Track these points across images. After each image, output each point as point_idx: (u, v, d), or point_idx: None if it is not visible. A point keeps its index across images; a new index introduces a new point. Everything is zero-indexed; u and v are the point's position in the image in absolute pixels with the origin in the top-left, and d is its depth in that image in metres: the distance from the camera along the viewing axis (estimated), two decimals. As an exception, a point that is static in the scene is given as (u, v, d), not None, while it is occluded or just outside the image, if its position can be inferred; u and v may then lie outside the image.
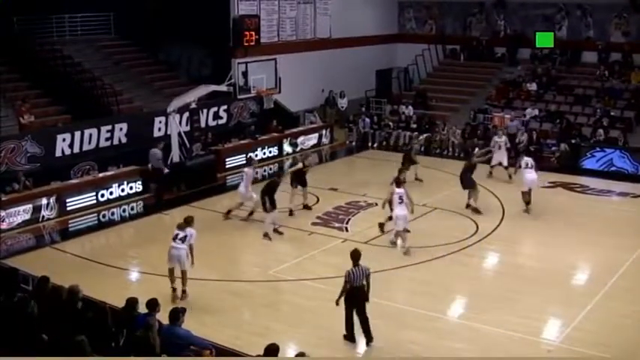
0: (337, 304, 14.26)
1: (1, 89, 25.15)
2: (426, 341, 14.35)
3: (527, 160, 22.72)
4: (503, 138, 26.51)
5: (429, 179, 24.60)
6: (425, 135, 28.91)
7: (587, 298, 16.17)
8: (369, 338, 14.32)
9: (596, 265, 18.48)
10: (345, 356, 14.32)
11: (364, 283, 14.11)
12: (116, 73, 30.11)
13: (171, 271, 16.16)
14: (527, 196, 22.21)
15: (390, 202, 19.60)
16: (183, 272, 16.12)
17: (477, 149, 26.22)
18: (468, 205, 22.37)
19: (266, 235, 20.33)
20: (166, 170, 24.55)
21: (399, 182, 19.68)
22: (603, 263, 18.33)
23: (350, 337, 14.44)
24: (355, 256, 14.22)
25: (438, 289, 16.84)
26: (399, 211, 19.13)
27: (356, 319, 14.28)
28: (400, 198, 19.17)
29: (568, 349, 14.06)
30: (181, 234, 16.13)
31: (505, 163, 26.02)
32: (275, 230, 20.57)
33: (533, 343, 14.35)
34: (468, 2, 38.10)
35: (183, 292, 16.14)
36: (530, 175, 22.30)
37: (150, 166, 24.61)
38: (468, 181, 22.30)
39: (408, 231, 19.26)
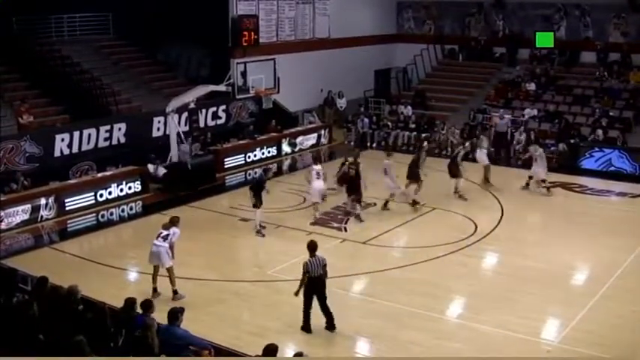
0: (296, 294, 14.58)
1: (0, 89, 25.14)
2: (425, 341, 14.34)
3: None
4: (540, 150, 24.85)
5: (427, 179, 24.49)
6: (468, 143, 26.82)
7: (587, 298, 16.18)
8: (332, 328, 14.66)
9: (595, 265, 18.47)
10: (345, 356, 14.33)
11: (322, 272, 14.48)
12: (115, 73, 30.12)
13: (155, 269, 16.31)
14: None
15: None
16: (169, 271, 16.14)
17: (425, 143, 26.53)
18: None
19: (259, 232, 20.48)
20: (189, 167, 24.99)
21: (316, 160, 23.27)
22: (602, 263, 18.33)
23: (306, 327, 14.71)
24: (312, 246, 14.64)
25: (437, 290, 16.83)
26: (315, 184, 21.51)
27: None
28: (317, 174, 21.57)
29: (567, 349, 14.06)
30: (164, 232, 16.28)
31: (543, 176, 24.60)
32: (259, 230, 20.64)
33: (533, 343, 14.34)
34: (466, 2, 38.11)
35: (175, 292, 16.14)
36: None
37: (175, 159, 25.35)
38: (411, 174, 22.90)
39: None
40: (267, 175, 21.52)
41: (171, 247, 16.29)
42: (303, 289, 14.53)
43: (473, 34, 38.26)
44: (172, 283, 16.17)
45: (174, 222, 16.59)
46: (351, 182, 21.82)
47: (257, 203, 20.31)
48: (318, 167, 21.86)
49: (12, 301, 12.99)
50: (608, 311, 15.55)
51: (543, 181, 24.48)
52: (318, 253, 14.65)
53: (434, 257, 18.68)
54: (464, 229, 20.67)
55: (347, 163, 22.69)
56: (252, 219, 21.41)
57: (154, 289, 16.23)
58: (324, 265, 14.51)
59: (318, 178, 21.57)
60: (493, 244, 19.89)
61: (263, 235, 20.42)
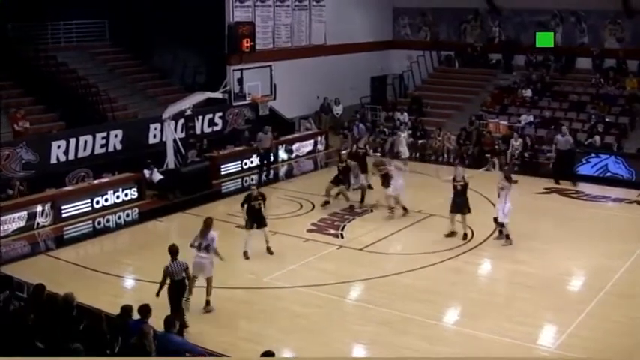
0: (157, 295, 14.70)
1: (-4, 96, 25.15)
2: (421, 347, 14.33)
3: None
4: (406, 132, 29.41)
5: (423, 186, 24.57)
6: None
7: (583, 303, 16.18)
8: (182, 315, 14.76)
9: (592, 271, 18.49)
10: (344, 357, 14.36)
11: (184, 275, 14.85)
12: (111, 80, 30.12)
13: (194, 279, 15.78)
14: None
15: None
16: (208, 280, 15.90)
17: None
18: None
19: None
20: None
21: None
22: (598, 269, 18.35)
23: (182, 323, 14.66)
24: (173, 250, 14.90)
25: (434, 296, 16.83)
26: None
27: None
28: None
29: (563, 355, 14.08)
30: (204, 242, 15.94)
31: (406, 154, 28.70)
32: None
33: (529, 349, 14.35)
34: (462, 9, 38.17)
35: (207, 302, 15.91)
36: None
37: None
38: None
39: None
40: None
41: (215, 253, 16.11)
42: (168, 293, 14.75)
43: (469, 40, 38.36)
44: (209, 293, 15.92)
45: (208, 225, 16.29)
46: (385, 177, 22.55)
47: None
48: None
49: (8, 308, 12.98)
50: (605, 317, 15.56)
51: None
52: (180, 258, 14.89)
53: (430, 264, 18.68)
54: (460, 236, 20.64)
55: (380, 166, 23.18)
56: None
57: (186, 299, 15.55)
58: (186, 269, 14.89)
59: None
60: (489, 251, 19.88)
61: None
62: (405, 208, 22.52)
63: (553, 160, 27.51)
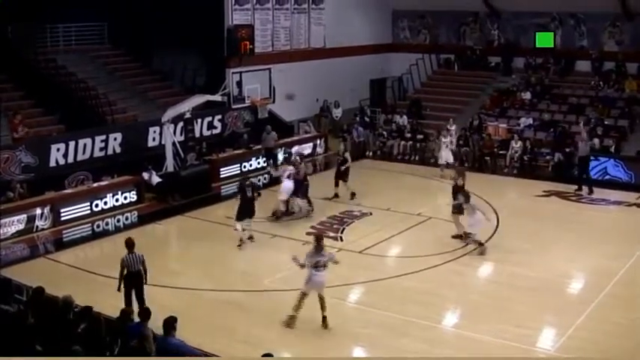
0: (119, 290, 15.31)
1: (-5, 99, 25.15)
2: (421, 350, 14.32)
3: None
4: (449, 138, 28.19)
5: (423, 188, 24.57)
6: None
7: (582, 306, 16.18)
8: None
9: (591, 274, 18.49)
10: (342, 357, 14.36)
11: (140, 268, 15.33)
12: (110, 83, 30.12)
13: (304, 296, 15.37)
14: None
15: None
16: (323, 298, 15.37)
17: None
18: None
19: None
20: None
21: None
22: (598, 271, 18.34)
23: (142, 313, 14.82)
24: (129, 243, 15.43)
25: (433, 299, 16.83)
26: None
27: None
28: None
29: (563, 357, 14.07)
30: (322, 259, 15.25)
31: (451, 160, 27.84)
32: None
33: (529, 351, 14.35)
34: (461, 12, 38.14)
35: (324, 318, 15.29)
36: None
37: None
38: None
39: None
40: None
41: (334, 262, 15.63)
42: (124, 285, 15.28)
43: (468, 43, 38.35)
44: (324, 308, 15.35)
45: (320, 241, 15.59)
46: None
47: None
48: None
49: (7, 311, 12.95)
50: (605, 319, 15.55)
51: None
52: (137, 251, 15.38)
53: (430, 266, 18.67)
54: (460, 238, 20.64)
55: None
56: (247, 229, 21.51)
57: (293, 317, 15.36)
58: (143, 262, 15.36)
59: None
60: (489, 253, 19.85)
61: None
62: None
63: (577, 165, 26.80)
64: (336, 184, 24.70)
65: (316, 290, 15.34)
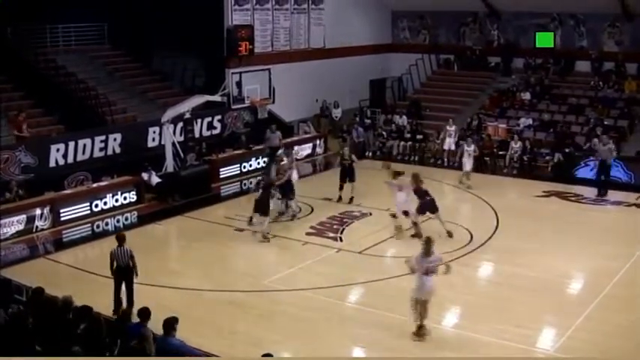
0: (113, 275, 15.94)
1: (-5, 99, 25.16)
2: (420, 351, 14.31)
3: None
4: (472, 146, 27.24)
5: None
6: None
7: (582, 306, 16.18)
8: (131, 304, 15.45)
9: (591, 274, 18.49)
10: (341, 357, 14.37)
11: (129, 262, 15.81)
12: (110, 83, 30.12)
13: (417, 302, 14.81)
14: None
15: None
16: (425, 303, 14.77)
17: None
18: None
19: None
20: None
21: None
22: (597, 272, 18.35)
23: (116, 310, 15.38)
24: (119, 237, 16.06)
25: (433, 299, 16.75)
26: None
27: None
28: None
29: (563, 357, 14.07)
30: (432, 264, 14.72)
31: (468, 168, 26.93)
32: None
33: (528, 352, 14.35)
34: (461, 12, 38.14)
35: (422, 327, 14.88)
36: None
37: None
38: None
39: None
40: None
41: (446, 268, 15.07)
42: (114, 278, 15.83)
43: (468, 43, 38.35)
44: (425, 317, 14.86)
45: (430, 245, 14.88)
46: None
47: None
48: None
49: (7, 312, 12.96)
50: (604, 320, 15.55)
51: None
52: (126, 245, 15.87)
53: (429, 267, 18.64)
54: (459, 239, 20.66)
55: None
56: (247, 229, 21.51)
57: (420, 327, 14.89)
58: (131, 257, 15.82)
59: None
60: (488, 253, 19.88)
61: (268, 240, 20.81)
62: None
63: (596, 169, 26.56)
64: (341, 188, 24.58)
65: (425, 297, 14.77)
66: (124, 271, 15.81)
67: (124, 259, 15.79)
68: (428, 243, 14.91)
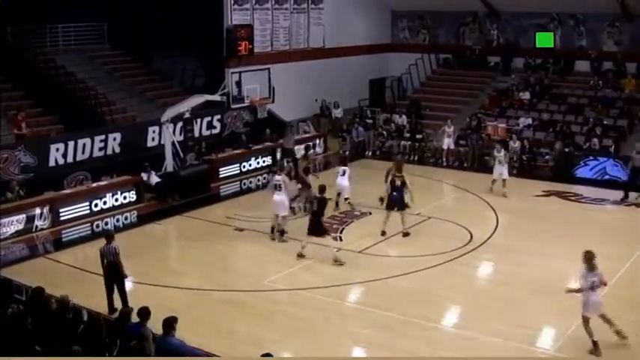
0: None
1: (-5, 99, 25.16)
2: (420, 350, 14.31)
3: None
4: (502, 152, 25.55)
5: (422, 188, 24.47)
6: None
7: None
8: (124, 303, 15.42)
9: (591, 274, 18.44)
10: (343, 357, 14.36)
11: (112, 259, 15.85)
12: (109, 83, 30.14)
13: (588, 319, 14.33)
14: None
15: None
16: (604, 316, 14.32)
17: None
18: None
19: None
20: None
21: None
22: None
23: (110, 309, 15.52)
24: (107, 235, 16.25)
25: (433, 299, 16.82)
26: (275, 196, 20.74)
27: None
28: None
29: (563, 357, 14.07)
30: (597, 279, 14.24)
31: (506, 176, 25.24)
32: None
33: (528, 351, 14.34)
34: (461, 12, 38.15)
35: (619, 332, 14.47)
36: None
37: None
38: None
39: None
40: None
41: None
42: (104, 273, 15.98)
43: (467, 43, 38.35)
44: (613, 324, 14.40)
45: (592, 260, 14.31)
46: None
47: None
48: (278, 178, 21.11)
49: (7, 311, 12.97)
50: (604, 320, 15.53)
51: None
52: (115, 243, 15.96)
53: (429, 266, 18.66)
54: (459, 238, 20.66)
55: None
56: (247, 229, 21.52)
57: (594, 342, 14.36)
58: (115, 254, 15.84)
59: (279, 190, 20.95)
60: (488, 253, 19.88)
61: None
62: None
63: (628, 174, 25.82)
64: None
65: (595, 313, 14.44)
66: (111, 267, 15.87)
67: (110, 256, 15.90)
68: (590, 258, 14.35)
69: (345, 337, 14.99)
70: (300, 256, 19.18)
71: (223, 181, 27.57)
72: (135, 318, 12.59)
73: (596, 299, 14.26)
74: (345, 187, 23.29)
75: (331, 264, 18.84)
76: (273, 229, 20.99)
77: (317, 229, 19.21)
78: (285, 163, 24.75)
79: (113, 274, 15.89)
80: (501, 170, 25.19)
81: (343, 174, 23.33)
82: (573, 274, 18.49)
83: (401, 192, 20.92)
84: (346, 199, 23.31)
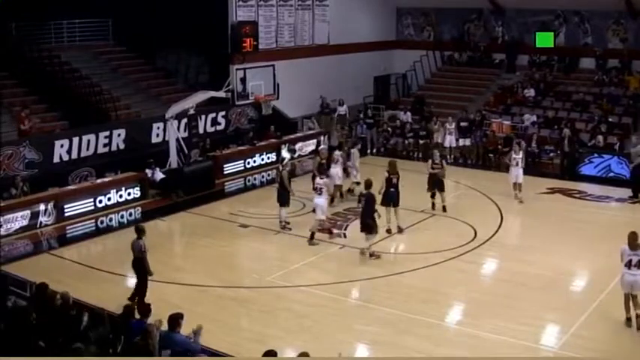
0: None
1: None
2: (424, 348, 14.31)
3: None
4: (520, 154, 24.59)
5: (426, 186, 24.42)
6: None
7: (586, 304, 16.14)
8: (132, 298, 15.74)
9: (595, 271, 18.42)
10: (347, 357, 14.36)
11: (136, 255, 16.05)
12: (114, 80, 30.12)
13: (627, 297, 14.98)
14: None
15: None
16: (636, 297, 14.85)
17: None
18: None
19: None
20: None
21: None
22: (601, 269, 18.25)
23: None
24: (137, 229, 16.45)
25: (436, 296, 16.81)
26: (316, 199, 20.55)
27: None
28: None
29: (567, 355, 14.06)
30: (636, 257, 14.69)
31: (520, 180, 24.38)
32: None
33: (532, 349, 14.33)
34: (465, 9, 38.11)
35: (638, 316, 14.92)
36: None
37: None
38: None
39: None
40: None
41: None
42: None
43: (472, 40, 38.29)
44: (638, 306, 14.89)
45: (636, 239, 14.73)
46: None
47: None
48: (320, 181, 20.68)
49: (7, 306, 13.00)
50: (608, 317, 15.51)
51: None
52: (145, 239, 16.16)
53: (433, 263, 18.65)
54: (463, 236, 20.64)
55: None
56: (251, 225, 21.52)
57: (628, 319, 15.01)
58: (141, 251, 15.96)
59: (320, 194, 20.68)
60: (492, 251, 19.87)
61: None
62: None
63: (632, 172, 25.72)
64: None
65: (626, 289, 14.86)
66: (137, 263, 16.00)
67: (136, 251, 15.99)
68: (635, 238, 14.78)
69: (349, 334, 14.99)
70: (374, 256, 19.11)
71: (228, 178, 27.56)
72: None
73: (630, 277, 14.71)
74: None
75: (367, 259, 18.96)
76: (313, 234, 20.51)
77: (364, 225, 19.12)
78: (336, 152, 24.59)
79: (136, 270, 16.06)
80: (517, 172, 24.33)
81: (336, 162, 23.77)
82: (577, 271, 18.66)
83: (397, 189, 20.97)
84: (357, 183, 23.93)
